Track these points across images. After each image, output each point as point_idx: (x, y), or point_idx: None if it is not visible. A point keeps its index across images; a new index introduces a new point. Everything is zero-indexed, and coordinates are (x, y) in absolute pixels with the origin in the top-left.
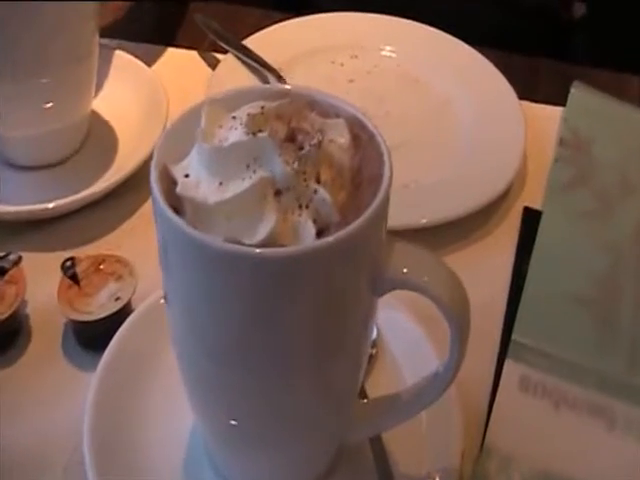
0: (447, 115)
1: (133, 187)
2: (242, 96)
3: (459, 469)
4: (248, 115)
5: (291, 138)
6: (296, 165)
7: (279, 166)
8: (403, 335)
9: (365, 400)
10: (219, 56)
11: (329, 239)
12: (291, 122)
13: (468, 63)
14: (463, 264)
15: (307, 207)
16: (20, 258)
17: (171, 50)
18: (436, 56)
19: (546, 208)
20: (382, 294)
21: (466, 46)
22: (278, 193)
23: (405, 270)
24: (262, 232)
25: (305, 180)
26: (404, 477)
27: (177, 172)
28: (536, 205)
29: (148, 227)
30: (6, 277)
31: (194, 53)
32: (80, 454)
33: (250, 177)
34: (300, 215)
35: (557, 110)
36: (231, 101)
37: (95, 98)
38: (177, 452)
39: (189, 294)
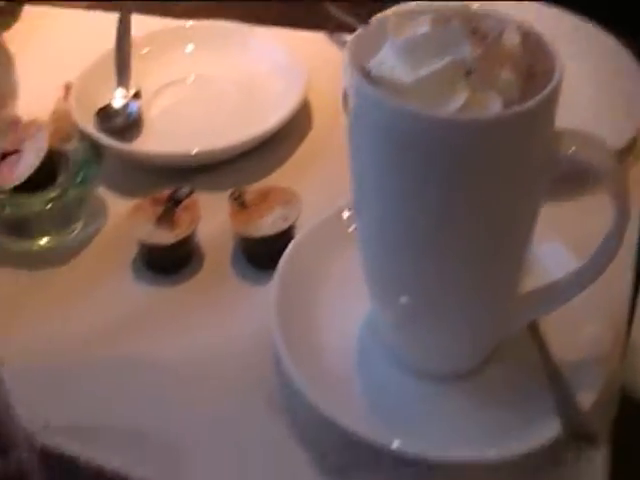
0: None
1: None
2: (422, 10)
3: (609, 357)
4: (434, 13)
5: (474, 32)
6: (481, 51)
7: (468, 49)
8: (554, 256)
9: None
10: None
11: (518, 108)
12: (472, 22)
13: None
14: None
15: (494, 87)
16: (192, 190)
17: (298, 33)
18: None
19: None
20: (553, 175)
21: None
22: (468, 73)
23: (574, 148)
24: (454, 106)
25: (490, 64)
26: (562, 362)
27: (372, 64)
28: None
29: (310, 166)
30: (181, 206)
31: (321, 35)
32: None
33: (442, 59)
34: (488, 93)
35: None
36: (412, 13)
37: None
38: (351, 336)
39: (380, 174)
